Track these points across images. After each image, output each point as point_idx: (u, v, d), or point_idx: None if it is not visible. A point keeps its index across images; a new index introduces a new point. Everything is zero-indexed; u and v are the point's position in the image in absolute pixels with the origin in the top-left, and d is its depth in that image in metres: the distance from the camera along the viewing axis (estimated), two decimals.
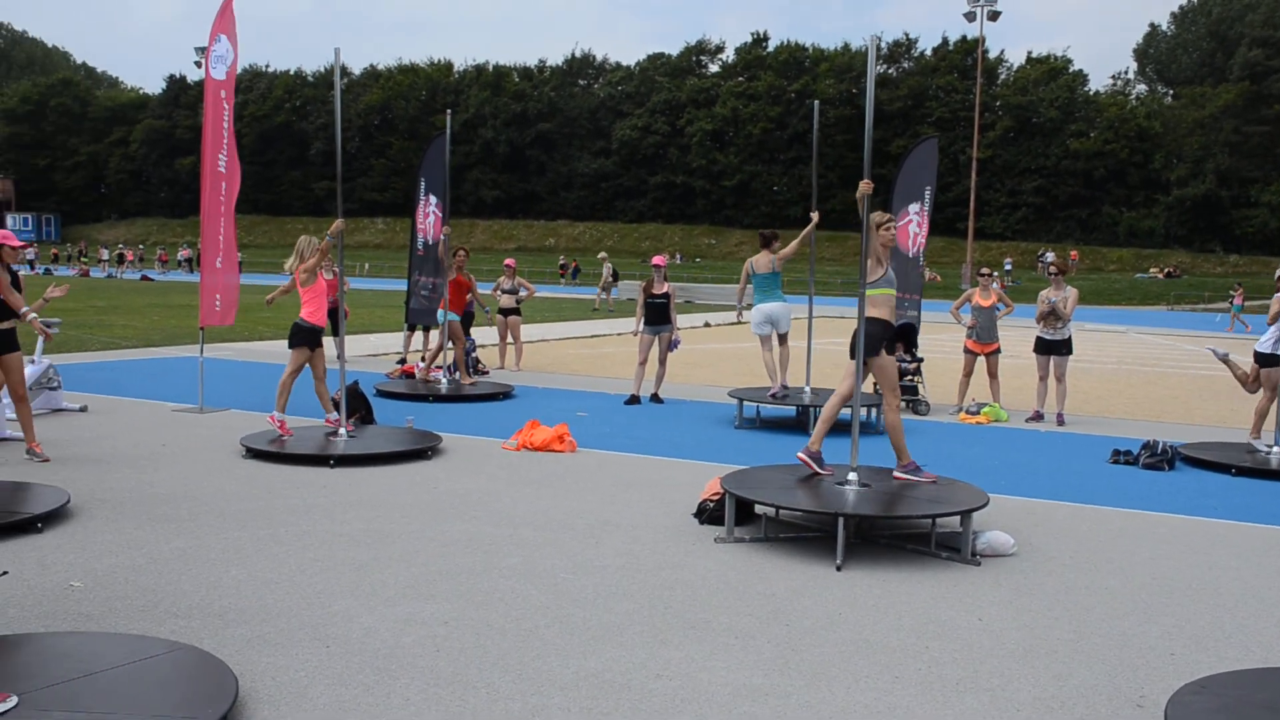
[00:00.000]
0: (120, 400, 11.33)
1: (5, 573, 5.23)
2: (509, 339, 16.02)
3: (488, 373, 14.87)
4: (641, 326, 12.37)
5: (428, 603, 5.03)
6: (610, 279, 35.02)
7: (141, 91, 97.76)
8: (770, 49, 78.12)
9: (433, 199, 13.81)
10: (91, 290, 35.35)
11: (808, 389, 11.26)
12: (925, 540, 6.32)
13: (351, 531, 6.29)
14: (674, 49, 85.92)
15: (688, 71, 79.75)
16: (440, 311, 13.11)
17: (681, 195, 76.57)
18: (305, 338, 9.22)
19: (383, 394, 12.02)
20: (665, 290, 12.31)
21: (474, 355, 14.99)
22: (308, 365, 9.31)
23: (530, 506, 7.05)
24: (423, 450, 8.64)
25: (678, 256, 64.25)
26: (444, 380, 12.71)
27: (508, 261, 16.43)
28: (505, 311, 15.91)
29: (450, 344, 12.96)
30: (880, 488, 6.68)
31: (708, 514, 6.70)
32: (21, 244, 8.04)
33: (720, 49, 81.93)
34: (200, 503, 6.89)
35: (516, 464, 8.50)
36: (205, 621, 4.70)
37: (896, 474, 6.97)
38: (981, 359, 12.26)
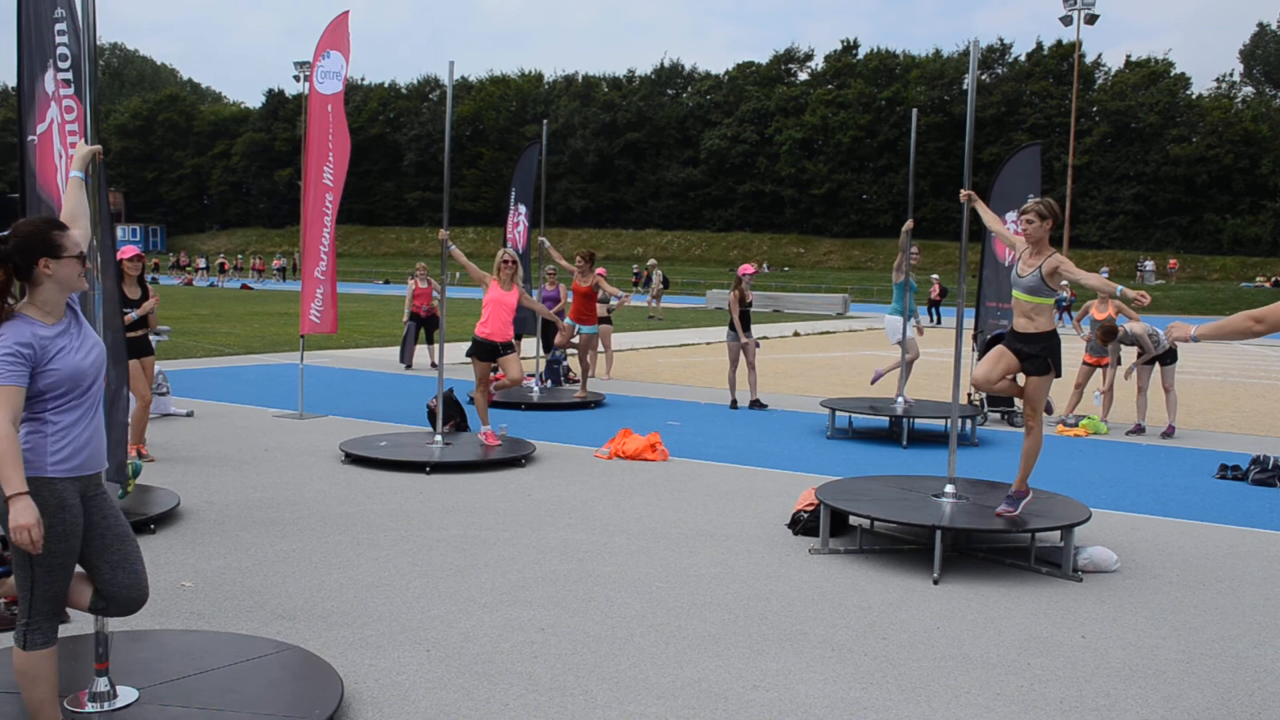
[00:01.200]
0: (224, 405, 11.68)
1: None
2: (599, 347, 16.11)
3: (577, 381, 14.97)
4: (739, 334, 12.51)
5: (524, 609, 5.09)
6: (661, 286, 35.40)
7: (243, 106, 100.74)
8: (860, 56, 77.28)
9: (522, 208, 13.97)
10: (195, 298, 36.48)
11: (900, 400, 11.12)
12: (1024, 555, 6.20)
13: (448, 537, 6.39)
14: (763, 57, 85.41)
15: (776, 80, 79.29)
16: (569, 321, 13.40)
17: (770, 204, 76.22)
18: (475, 351, 9.47)
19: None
20: (750, 298, 12.59)
21: (565, 364, 15.14)
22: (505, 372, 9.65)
23: (624, 515, 7.09)
24: (516, 458, 8.74)
25: (765, 265, 63.89)
26: (536, 388, 12.85)
27: (599, 270, 16.52)
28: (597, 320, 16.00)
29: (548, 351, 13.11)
30: (978, 500, 6.57)
31: (802, 524, 6.67)
32: (135, 252, 8.27)
33: (809, 56, 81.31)
34: (302, 507, 7.08)
35: (609, 472, 8.55)
36: (309, 623, 4.82)
37: (999, 510, 6.48)
38: (1098, 371, 12.02)
